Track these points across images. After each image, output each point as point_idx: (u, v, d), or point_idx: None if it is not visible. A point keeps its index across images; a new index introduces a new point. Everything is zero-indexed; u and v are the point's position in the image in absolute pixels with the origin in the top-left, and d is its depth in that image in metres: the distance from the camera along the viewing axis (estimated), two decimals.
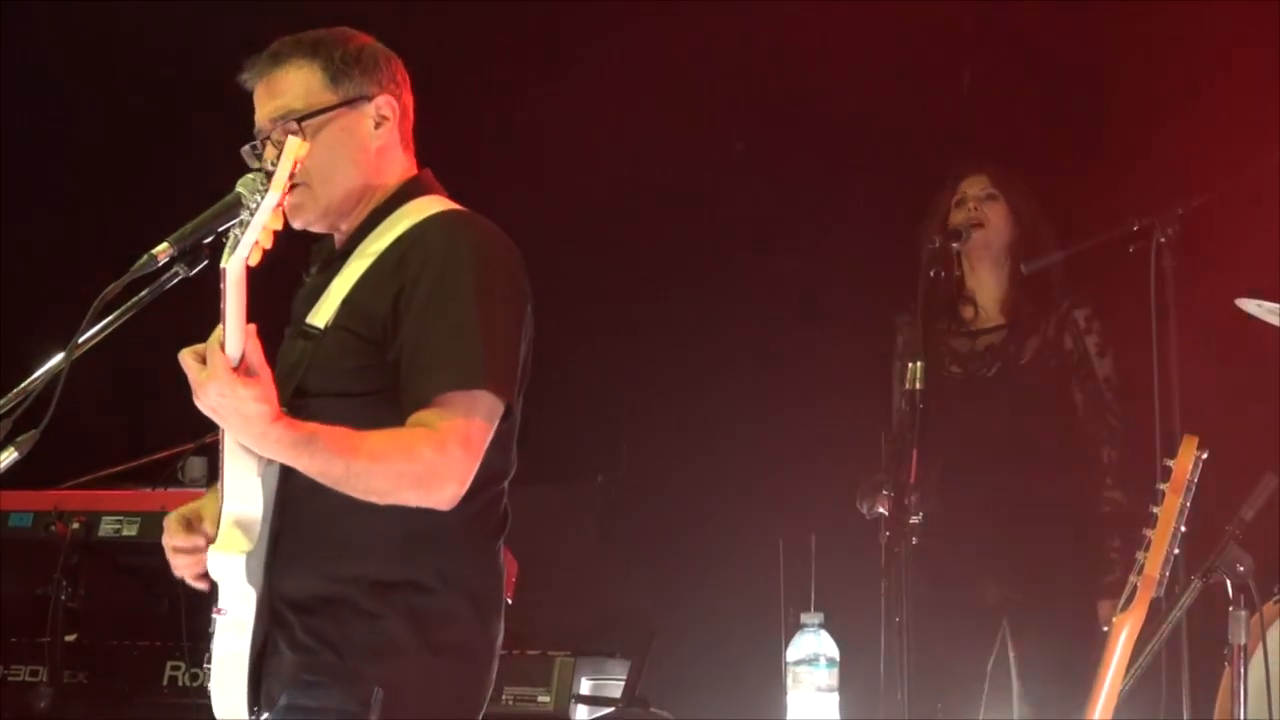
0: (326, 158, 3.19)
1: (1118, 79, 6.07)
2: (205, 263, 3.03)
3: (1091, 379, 5.17)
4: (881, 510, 4.83)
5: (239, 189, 3.05)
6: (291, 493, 3.04)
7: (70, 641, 4.62)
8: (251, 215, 2.82)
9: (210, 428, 5.22)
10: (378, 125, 3.25)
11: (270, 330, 3.04)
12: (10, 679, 4.80)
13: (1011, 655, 5.15)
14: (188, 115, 6.72)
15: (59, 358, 2.99)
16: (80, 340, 3.01)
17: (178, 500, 4.61)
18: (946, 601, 5.09)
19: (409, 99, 3.34)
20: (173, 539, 3.21)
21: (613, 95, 6.34)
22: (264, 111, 3.22)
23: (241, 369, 2.85)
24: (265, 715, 3.09)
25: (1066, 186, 5.71)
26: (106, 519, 4.64)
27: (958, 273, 5.30)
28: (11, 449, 2.96)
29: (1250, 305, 4.62)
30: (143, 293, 3.02)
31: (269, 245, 2.85)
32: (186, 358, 2.86)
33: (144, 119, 6.86)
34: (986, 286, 5.30)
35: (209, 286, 2.98)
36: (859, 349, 5.74)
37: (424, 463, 2.98)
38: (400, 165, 3.30)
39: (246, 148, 3.23)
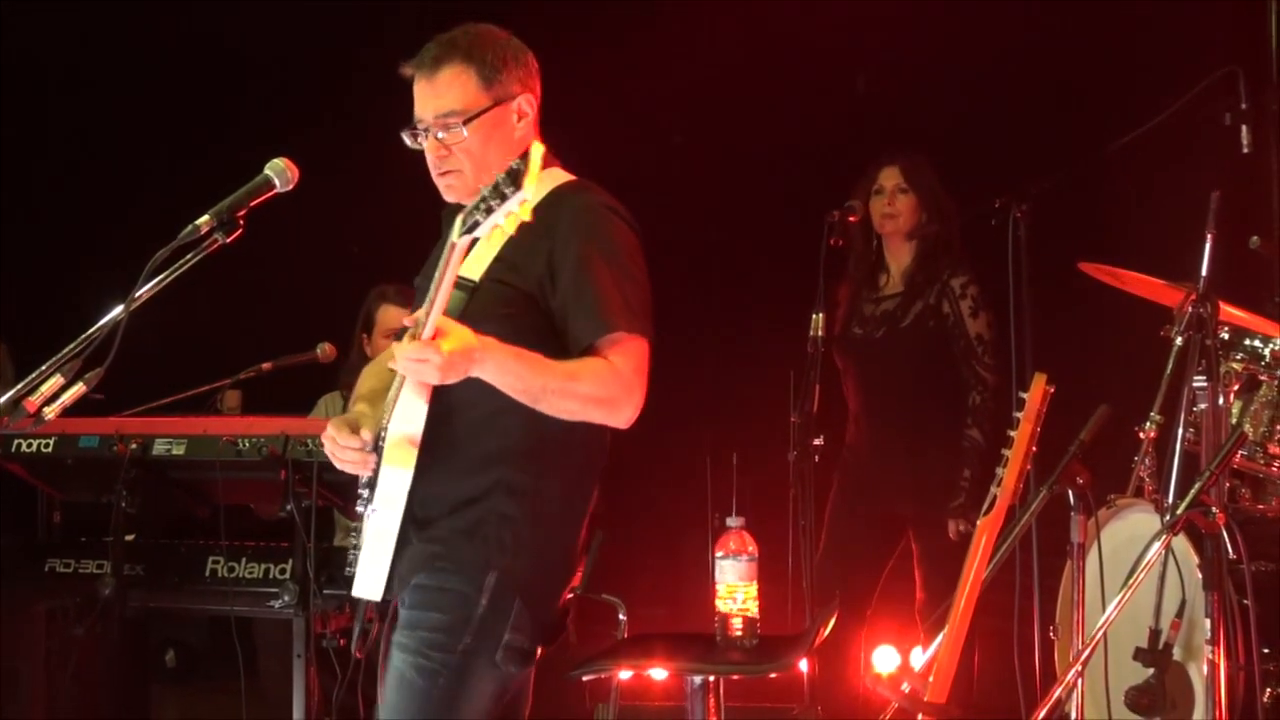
0: (481, 150, 3.08)
1: (987, 81, 6.04)
2: (239, 231, 2.98)
3: (964, 336, 5.05)
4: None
5: (267, 171, 3.07)
6: (442, 413, 2.93)
7: (129, 541, 4.57)
8: (499, 206, 2.72)
9: (242, 366, 5.14)
10: (519, 119, 3.12)
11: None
12: (81, 571, 4.76)
13: (915, 551, 5.14)
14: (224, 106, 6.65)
15: (119, 309, 2.95)
16: (137, 294, 2.96)
17: (217, 425, 4.57)
18: (859, 509, 5.13)
19: (539, 88, 3.19)
20: (344, 438, 3.00)
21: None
22: (427, 107, 3.09)
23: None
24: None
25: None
26: (159, 441, 4.56)
27: (874, 243, 5.29)
28: (81, 383, 2.94)
29: (1089, 267, 4.63)
30: (188, 256, 2.97)
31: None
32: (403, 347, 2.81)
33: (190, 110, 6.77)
34: (897, 259, 5.27)
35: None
36: (773, 306, 5.70)
37: (610, 389, 2.93)
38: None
39: (407, 132, 3.12)
